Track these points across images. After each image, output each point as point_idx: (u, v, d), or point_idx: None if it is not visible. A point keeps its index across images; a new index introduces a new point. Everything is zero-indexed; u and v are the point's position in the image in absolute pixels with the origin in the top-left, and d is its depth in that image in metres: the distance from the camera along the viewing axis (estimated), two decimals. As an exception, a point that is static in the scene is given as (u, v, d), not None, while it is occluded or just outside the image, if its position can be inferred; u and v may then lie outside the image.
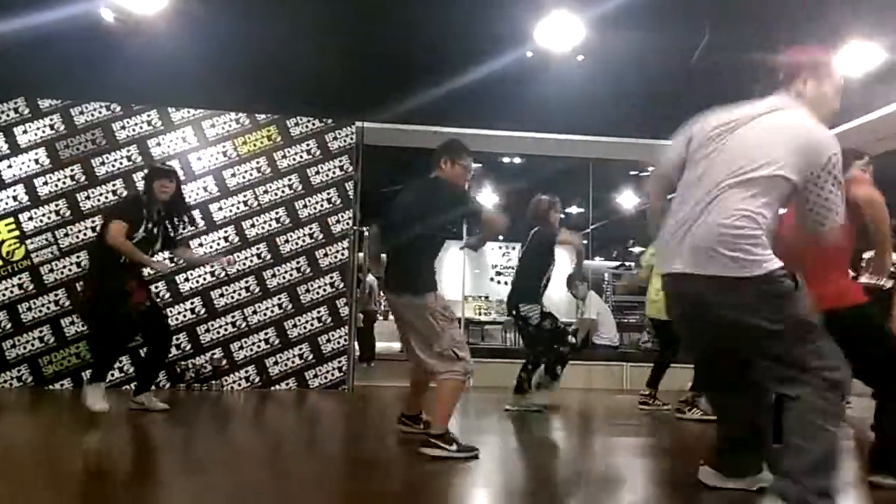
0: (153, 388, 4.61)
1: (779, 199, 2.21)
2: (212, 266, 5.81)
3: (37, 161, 5.75)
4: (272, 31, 5.08)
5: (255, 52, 5.26)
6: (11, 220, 5.64)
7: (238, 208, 5.99)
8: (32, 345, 5.55)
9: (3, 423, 4.28)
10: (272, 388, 5.79)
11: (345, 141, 6.18)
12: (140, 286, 4.35)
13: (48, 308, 5.59)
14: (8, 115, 5.79)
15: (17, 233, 5.63)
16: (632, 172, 10.51)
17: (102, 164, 5.84)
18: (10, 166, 5.72)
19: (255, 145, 6.10)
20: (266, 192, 6.04)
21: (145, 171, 4.75)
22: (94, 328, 5.03)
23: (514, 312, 4.96)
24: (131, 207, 4.35)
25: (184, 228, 4.64)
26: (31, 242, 5.64)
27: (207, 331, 5.80)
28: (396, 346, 11.74)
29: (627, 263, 14.13)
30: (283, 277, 5.93)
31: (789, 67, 2.40)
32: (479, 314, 9.90)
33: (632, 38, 5.03)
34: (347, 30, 5.17)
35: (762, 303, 2.14)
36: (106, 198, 5.79)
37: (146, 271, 4.59)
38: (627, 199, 11.74)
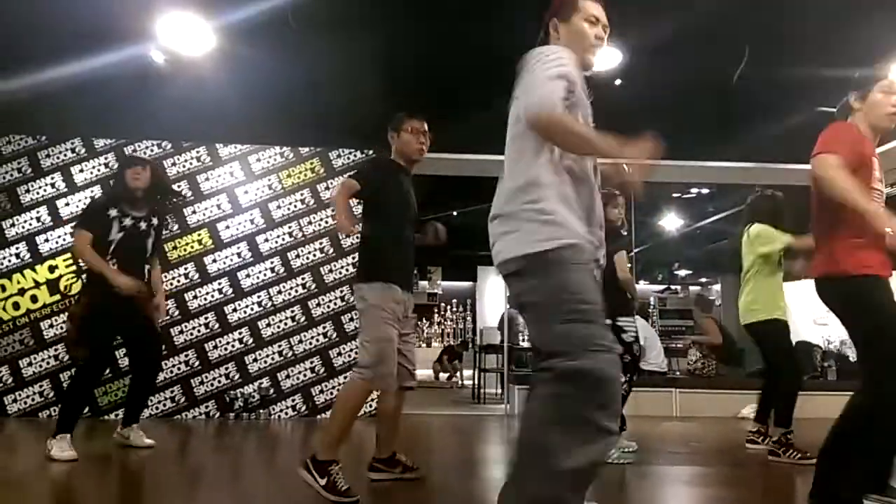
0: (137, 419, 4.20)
1: None
2: (258, 297, 5.95)
3: (93, 199, 5.98)
4: (313, 67, 5.22)
5: (297, 87, 5.41)
6: (69, 255, 5.86)
7: (283, 239, 6.11)
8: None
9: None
10: (318, 416, 5.83)
11: (386, 171, 6.27)
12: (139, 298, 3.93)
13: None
14: (65, 155, 6.06)
15: (73, 267, 5.84)
16: (675, 195, 10.37)
17: (154, 199, 6.04)
18: (67, 204, 5.96)
19: (299, 178, 6.24)
20: (310, 222, 6.16)
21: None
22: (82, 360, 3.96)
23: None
24: (90, 212, 4.04)
25: (166, 228, 4.17)
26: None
27: (255, 360, 5.90)
28: (427, 372, 11.74)
29: (673, 287, 13.89)
30: (328, 306, 6.01)
31: None
32: (522, 340, 9.82)
33: (669, 61, 5.02)
34: (385, 62, 5.27)
35: None
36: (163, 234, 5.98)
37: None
38: (671, 222, 11.57)
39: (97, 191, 5.99)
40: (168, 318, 5.81)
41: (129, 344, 4.05)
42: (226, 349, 5.89)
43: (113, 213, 3.98)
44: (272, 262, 6.08)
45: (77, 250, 3.97)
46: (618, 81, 5.38)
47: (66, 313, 4.14)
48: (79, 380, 3.83)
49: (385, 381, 2.94)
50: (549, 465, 1.77)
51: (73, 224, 4.35)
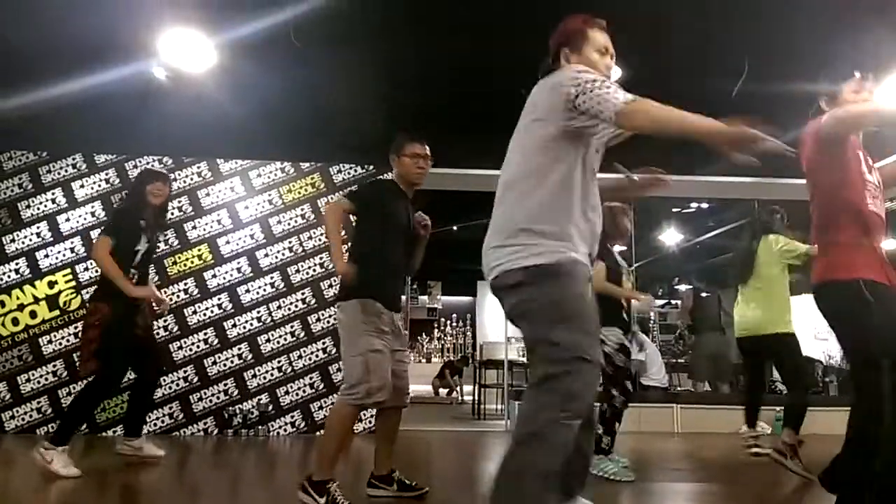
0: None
1: None
2: (258, 312, 5.94)
3: (93, 214, 5.99)
4: (314, 83, 5.24)
5: (298, 103, 5.43)
6: (69, 271, 5.86)
7: (283, 254, 6.11)
8: (87, 392, 5.68)
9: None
10: (317, 433, 5.79)
11: (386, 186, 6.29)
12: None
13: (102, 356, 5.74)
14: (66, 171, 6.07)
15: (73, 283, 5.84)
16: (675, 209, 10.38)
17: (154, 215, 6.05)
18: (67, 220, 5.97)
19: (299, 193, 6.25)
20: (310, 237, 6.16)
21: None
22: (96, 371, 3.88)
23: None
24: (123, 219, 4.05)
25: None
26: (87, 292, 5.83)
27: (254, 376, 5.87)
28: (426, 388, 11.68)
29: (673, 301, 13.88)
30: (328, 322, 6.00)
31: None
32: (523, 356, 9.79)
33: (668, 76, 5.04)
34: (386, 77, 5.29)
35: None
36: (158, 248, 5.97)
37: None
38: (670, 237, 11.57)
39: (98, 206, 6.00)
40: (167, 333, 5.80)
41: (135, 353, 3.98)
42: (225, 365, 5.87)
43: (143, 223, 4.01)
44: (272, 278, 6.07)
45: (98, 256, 3.83)
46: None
47: (81, 325, 4.12)
48: (89, 393, 3.76)
49: (375, 397, 2.86)
50: (515, 463, 1.87)
51: (100, 230, 4.22)
